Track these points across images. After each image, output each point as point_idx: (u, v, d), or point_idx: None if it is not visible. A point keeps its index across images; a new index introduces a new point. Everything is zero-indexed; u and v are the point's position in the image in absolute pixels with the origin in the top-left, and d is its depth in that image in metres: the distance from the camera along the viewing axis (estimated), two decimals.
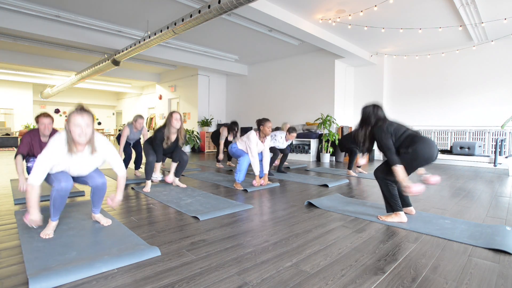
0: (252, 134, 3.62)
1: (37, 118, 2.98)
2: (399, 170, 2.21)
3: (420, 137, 2.26)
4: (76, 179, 2.18)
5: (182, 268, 1.55)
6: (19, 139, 11.10)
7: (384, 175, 2.37)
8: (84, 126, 1.89)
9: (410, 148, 2.23)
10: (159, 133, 3.36)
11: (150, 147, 3.50)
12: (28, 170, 3.08)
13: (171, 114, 3.35)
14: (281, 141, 4.71)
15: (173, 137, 3.42)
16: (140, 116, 4.31)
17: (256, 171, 3.63)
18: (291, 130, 4.70)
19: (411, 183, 2.17)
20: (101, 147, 2.05)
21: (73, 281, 1.42)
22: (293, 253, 1.75)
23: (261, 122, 3.65)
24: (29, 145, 2.91)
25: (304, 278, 1.46)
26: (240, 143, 3.75)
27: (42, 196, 2.98)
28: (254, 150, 3.56)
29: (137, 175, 4.41)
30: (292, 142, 5.19)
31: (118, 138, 4.32)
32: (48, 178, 2.00)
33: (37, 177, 1.82)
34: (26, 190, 1.83)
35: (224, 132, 5.44)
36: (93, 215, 2.28)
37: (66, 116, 1.98)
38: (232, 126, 5.50)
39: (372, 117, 2.43)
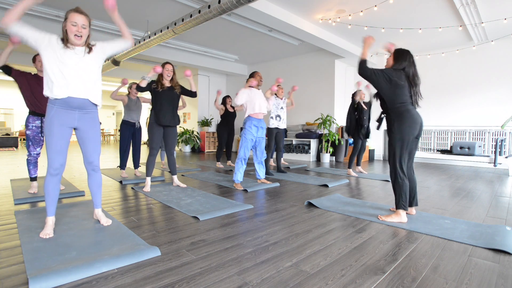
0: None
1: (34, 58, 3.01)
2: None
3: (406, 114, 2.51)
4: (78, 133, 2.06)
5: (182, 268, 1.55)
6: (19, 139, 11.09)
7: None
8: (81, 25, 1.94)
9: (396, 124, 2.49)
10: (147, 87, 3.36)
11: (154, 134, 3.43)
12: (28, 162, 3.08)
13: (163, 65, 3.37)
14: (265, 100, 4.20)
15: (166, 83, 3.43)
16: (135, 83, 4.23)
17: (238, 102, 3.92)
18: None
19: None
20: (96, 44, 2.07)
21: (73, 281, 1.42)
22: (293, 253, 1.75)
23: (250, 76, 3.96)
24: (27, 85, 2.97)
25: (304, 278, 1.46)
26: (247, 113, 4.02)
27: (38, 196, 2.98)
28: (237, 98, 3.87)
29: (137, 175, 4.40)
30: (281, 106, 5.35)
31: (120, 139, 4.29)
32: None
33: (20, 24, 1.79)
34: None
35: (220, 108, 5.70)
36: (94, 212, 2.26)
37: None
38: (224, 99, 5.81)
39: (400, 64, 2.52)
